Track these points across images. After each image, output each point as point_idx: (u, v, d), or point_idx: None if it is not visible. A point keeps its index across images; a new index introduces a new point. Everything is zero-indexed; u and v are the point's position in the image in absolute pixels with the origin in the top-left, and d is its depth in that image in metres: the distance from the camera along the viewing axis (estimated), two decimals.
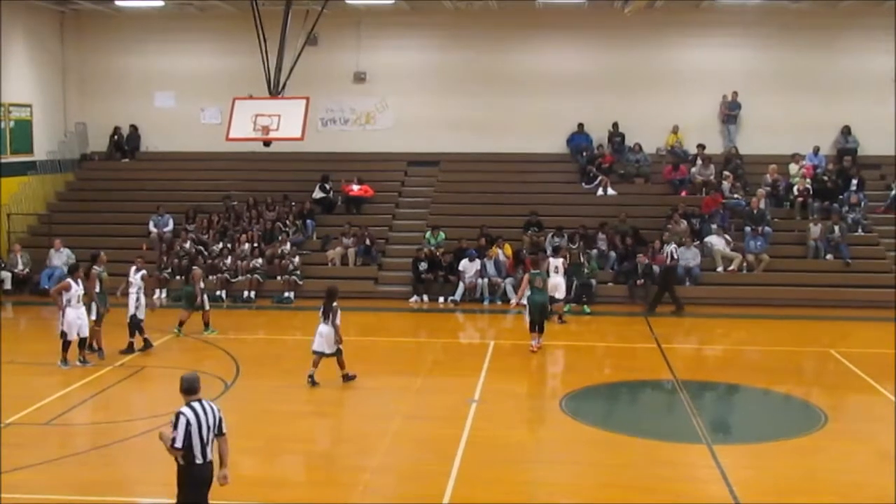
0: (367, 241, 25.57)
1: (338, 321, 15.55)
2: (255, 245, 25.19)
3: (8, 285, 24.82)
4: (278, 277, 24.43)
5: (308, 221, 26.57)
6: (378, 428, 13.74)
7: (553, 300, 20.20)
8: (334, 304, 15.66)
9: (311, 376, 15.68)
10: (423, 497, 11.03)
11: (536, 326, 18.38)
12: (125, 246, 25.33)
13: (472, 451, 12.50)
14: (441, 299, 24.16)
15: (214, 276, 24.34)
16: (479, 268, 24.19)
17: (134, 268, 18.54)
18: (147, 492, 11.55)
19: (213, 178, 29.12)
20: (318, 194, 27.47)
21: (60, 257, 24.80)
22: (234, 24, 26.71)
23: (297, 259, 24.53)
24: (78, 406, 14.83)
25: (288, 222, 26.27)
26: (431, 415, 14.66)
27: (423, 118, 29.02)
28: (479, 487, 11.33)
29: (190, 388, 8.82)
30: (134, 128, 30.10)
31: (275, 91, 20.10)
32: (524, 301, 18.69)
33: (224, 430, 8.94)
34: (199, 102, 29.53)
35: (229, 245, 25.57)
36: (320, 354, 15.70)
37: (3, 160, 26.84)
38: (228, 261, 24.79)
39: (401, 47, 29.29)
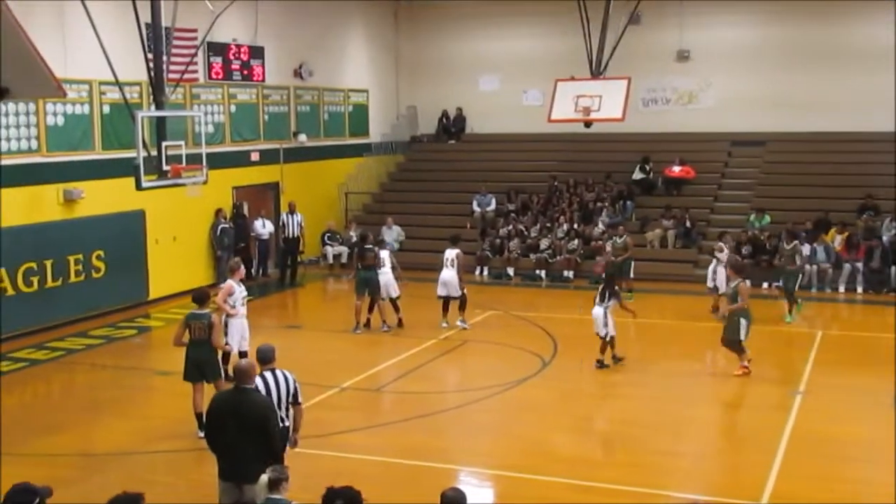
0: (687, 224, 25.03)
1: (611, 303, 15.44)
2: (574, 226, 25.42)
3: (344, 259, 26.63)
4: (597, 258, 24.52)
5: (627, 202, 26.43)
6: (695, 415, 13.52)
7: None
8: (615, 287, 15.93)
9: (599, 360, 15.64)
10: (742, 488, 10.72)
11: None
12: (449, 225, 26.46)
13: (796, 446, 11.96)
14: (764, 285, 23.17)
15: (533, 256, 24.89)
16: (807, 253, 22.92)
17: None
18: (467, 461, 11.97)
19: (534, 160, 29.68)
20: (637, 175, 27.22)
21: (391, 234, 26.27)
22: (557, 6, 26.89)
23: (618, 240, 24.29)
24: (406, 375, 15.71)
25: (606, 203, 26.25)
26: (752, 404, 14.19)
27: (748, 96, 27.77)
28: (802, 483, 10.83)
29: (262, 358, 9.23)
30: (460, 110, 31.35)
31: (596, 72, 20.15)
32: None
33: (300, 400, 9.21)
34: (522, 85, 30.10)
35: (548, 225, 25.97)
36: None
37: (343, 142, 28.92)
38: (546, 241, 25.18)
39: (725, 24, 28.24)
